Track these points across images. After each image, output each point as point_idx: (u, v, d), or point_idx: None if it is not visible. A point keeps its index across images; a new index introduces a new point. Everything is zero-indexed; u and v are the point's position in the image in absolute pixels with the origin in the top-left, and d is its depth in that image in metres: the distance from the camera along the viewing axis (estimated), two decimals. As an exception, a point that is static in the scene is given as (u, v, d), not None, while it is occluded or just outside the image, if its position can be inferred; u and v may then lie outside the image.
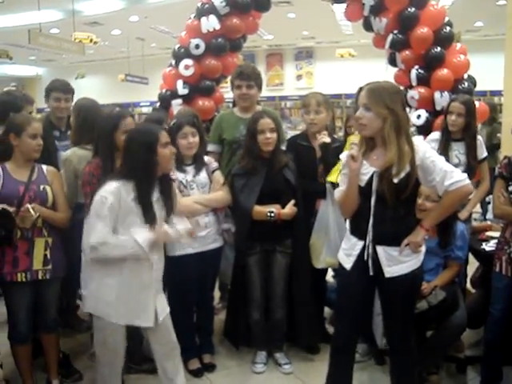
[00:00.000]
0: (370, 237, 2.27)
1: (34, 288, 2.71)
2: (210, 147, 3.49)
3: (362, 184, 2.27)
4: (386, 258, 2.27)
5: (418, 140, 2.31)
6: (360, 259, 2.32)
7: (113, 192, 2.26)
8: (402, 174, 2.18)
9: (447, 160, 3.22)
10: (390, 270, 2.27)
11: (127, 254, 2.29)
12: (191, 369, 3.13)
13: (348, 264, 2.36)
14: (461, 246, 2.96)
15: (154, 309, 2.41)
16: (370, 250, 2.28)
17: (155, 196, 2.37)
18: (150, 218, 2.32)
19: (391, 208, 2.22)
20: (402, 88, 4.04)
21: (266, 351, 3.27)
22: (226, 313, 3.34)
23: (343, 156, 2.39)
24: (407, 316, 2.40)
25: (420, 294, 2.74)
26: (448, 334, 2.81)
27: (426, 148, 2.26)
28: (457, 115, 3.33)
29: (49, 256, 2.71)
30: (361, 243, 2.32)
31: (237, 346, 3.36)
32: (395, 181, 2.18)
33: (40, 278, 2.69)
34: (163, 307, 2.50)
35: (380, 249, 2.28)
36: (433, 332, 2.90)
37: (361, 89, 2.29)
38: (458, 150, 3.40)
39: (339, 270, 2.48)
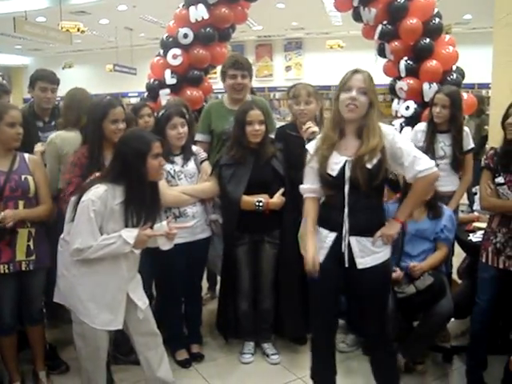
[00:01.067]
0: (346, 227, 2.25)
1: (18, 279, 2.68)
2: (199, 137, 3.48)
3: (334, 174, 2.25)
4: (358, 249, 2.26)
5: (384, 125, 2.31)
6: (332, 251, 2.30)
7: (101, 196, 2.24)
8: (375, 160, 2.19)
9: (433, 152, 3.30)
10: (363, 261, 2.26)
11: (111, 252, 2.27)
12: (179, 359, 3.13)
13: (320, 257, 2.33)
14: (449, 228, 3.00)
15: (123, 312, 2.39)
16: (347, 241, 2.26)
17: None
18: (133, 224, 2.31)
19: (364, 197, 2.22)
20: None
21: (253, 342, 3.28)
22: (218, 304, 3.33)
23: (310, 147, 2.39)
24: (380, 309, 2.37)
25: (410, 277, 2.82)
26: (434, 322, 2.83)
27: (394, 132, 2.29)
28: (441, 107, 3.29)
29: (32, 247, 2.66)
30: (332, 235, 2.29)
31: (226, 338, 3.36)
32: (369, 166, 2.19)
33: (23, 269, 2.65)
34: (142, 301, 2.49)
35: (353, 240, 2.26)
36: (419, 321, 2.92)
37: (354, 72, 2.26)
38: (443, 142, 3.37)
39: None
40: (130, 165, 2.28)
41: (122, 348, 3.03)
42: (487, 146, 5.05)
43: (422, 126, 3.52)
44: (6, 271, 2.60)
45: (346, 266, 2.27)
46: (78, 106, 3.02)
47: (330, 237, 2.30)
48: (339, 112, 2.26)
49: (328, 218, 2.33)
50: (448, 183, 3.38)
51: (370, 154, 2.18)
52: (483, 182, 2.74)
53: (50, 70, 3.47)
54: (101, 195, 2.24)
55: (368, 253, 2.26)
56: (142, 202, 2.33)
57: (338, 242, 2.28)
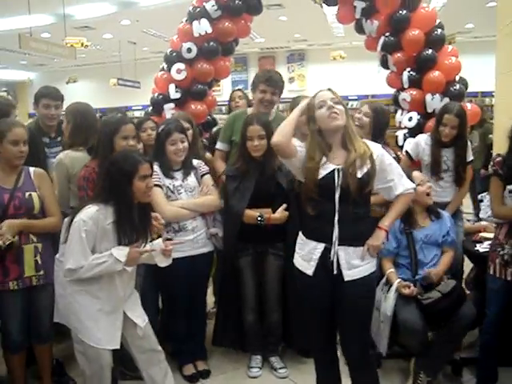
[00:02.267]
0: (335, 236, 2.24)
1: (27, 295, 2.68)
2: (219, 145, 3.54)
3: (319, 177, 2.26)
4: (345, 261, 2.26)
5: (371, 142, 2.40)
6: (322, 262, 2.29)
7: (92, 216, 2.27)
8: (365, 169, 2.24)
9: (439, 166, 3.34)
10: (350, 273, 2.26)
11: (103, 270, 2.29)
12: (186, 374, 3.12)
13: (309, 269, 2.32)
14: (452, 229, 3.08)
15: (120, 331, 2.40)
16: (335, 251, 2.26)
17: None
18: (125, 243, 2.33)
19: (353, 207, 2.23)
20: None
21: (260, 355, 3.27)
22: (216, 317, 3.32)
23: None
24: (364, 324, 2.37)
25: (426, 286, 2.84)
26: (459, 326, 2.79)
27: (382, 151, 2.35)
28: (451, 128, 3.29)
29: (40, 261, 2.67)
30: (321, 246, 2.29)
31: (234, 349, 3.35)
32: (359, 175, 2.22)
33: (34, 283, 2.65)
34: (142, 318, 2.50)
35: (342, 251, 2.26)
36: (441, 329, 2.85)
37: (318, 92, 2.33)
38: (446, 156, 3.38)
39: (298, 276, 2.41)
40: (117, 185, 2.30)
41: (129, 364, 3.01)
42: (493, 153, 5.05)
43: (423, 137, 3.51)
44: (16, 288, 2.61)
45: (335, 272, 2.26)
46: (86, 127, 3.01)
47: (318, 248, 2.30)
48: (317, 132, 2.28)
49: (316, 229, 2.31)
50: (450, 194, 3.42)
51: (360, 161, 2.23)
52: (493, 189, 2.72)
53: (53, 87, 3.48)
54: (92, 215, 2.27)
55: (355, 265, 2.27)
56: (132, 222, 2.34)
57: (326, 252, 2.28)
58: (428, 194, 3.07)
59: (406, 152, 3.59)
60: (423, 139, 3.49)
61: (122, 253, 2.30)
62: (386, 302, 2.80)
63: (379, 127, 3.32)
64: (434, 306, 2.76)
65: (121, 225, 2.32)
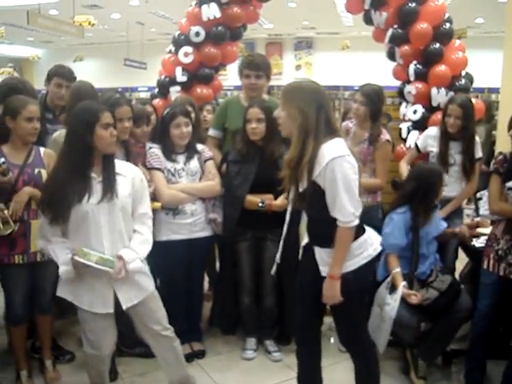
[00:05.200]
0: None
1: (31, 270, 2.74)
2: (212, 132, 3.51)
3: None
4: (319, 256, 2.24)
5: (334, 152, 2.06)
6: (306, 251, 2.35)
7: None
8: (305, 184, 2.14)
9: (446, 159, 3.34)
10: (324, 270, 2.21)
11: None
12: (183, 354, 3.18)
13: (300, 255, 2.42)
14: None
15: (112, 296, 2.32)
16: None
17: (98, 175, 2.28)
18: (86, 194, 2.23)
19: (317, 211, 2.20)
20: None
21: (255, 338, 3.33)
22: (214, 299, 3.37)
23: None
24: (348, 317, 2.29)
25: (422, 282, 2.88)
26: (458, 318, 2.85)
27: (339, 163, 2.05)
28: (455, 118, 3.30)
29: None
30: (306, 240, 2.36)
31: (227, 332, 3.41)
32: (300, 190, 2.19)
33: (38, 259, 2.70)
34: (130, 296, 2.37)
35: (316, 248, 2.26)
36: (438, 322, 2.88)
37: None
38: (453, 149, 3.39)
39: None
40: (78, 137, 2.22)
41: (126, 341, 3.09)
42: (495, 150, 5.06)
43: (432, 131, 3.53)
44: (21, 262, 2.66)
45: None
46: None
47: (305, 239, 2.37)
48: None
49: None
50: (455, 189, 3.42)
51: (301, 177, 2.16)
52: (493, 186, 2.75)
53: (68, 67, 3.49)
54: None
55: (328, 263, 2.19)
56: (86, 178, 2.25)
57: (310, 246, 2.32)
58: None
59: (415, 144, 3.63)
60: (433, 131, 3.52)
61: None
62: (391, 305, 2.74)
63: (375, 111, 3.31)
64: (434, 306, 2.81)
65: (77, 175, 2.22)
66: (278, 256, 2.67)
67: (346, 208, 2.06)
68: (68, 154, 2.26)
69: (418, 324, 2.84)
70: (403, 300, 2.77)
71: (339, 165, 2.05)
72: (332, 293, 2.16)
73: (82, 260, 2.18)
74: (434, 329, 2.90)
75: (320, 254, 2.24)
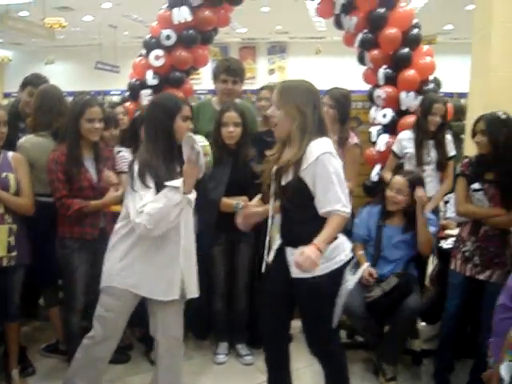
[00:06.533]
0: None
1: None
2: None
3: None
4: (291, 259, 2.18)
5: (323, 148, 2.11)
6: (278, 255, 2.32)
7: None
8: (289, 177, 2.16)
9: (421, 158, 3.44)
10: (295, 271, 2.16)
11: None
12: (153, 359, 3.13)
13: (269, 258, 2.37)
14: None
15: (179, 282, 2.41)
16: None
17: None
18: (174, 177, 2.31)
19: (294, 209, 2.20)
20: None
21: (227, 342, 3.31)
22: (185, 306, 3.33)
23: None
24: (318, 321, 2.27)
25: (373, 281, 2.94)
26: (404, 317, 2.88)
27: (321, 157, 2.09)
28: (440, 116, 3.44)
29: (13, 243, 2.65)
30: (279, 241, 2.33)
31: (200, 337, 3.39)
32: (282, 183, 2.20)
33: (5, 264, 2.63)
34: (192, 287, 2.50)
35: (288, 249, 2.25)
36: (391, 322, 2.98)
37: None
38: (428, 147, 3.51)
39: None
40: (161, 124, 2.32)
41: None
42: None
43: (406, 134, 3.61)
44: None
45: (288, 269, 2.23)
46: (49, 107, 2.96)
47: (278, 240, 2.33)
48: None
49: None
50: (433, 189, 3.50)
51: (285, 168, 2.16)
52: (459, 188, 2.81)
53: (44, 77, 3.43)
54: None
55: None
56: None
57: (282, 248, 2.30)
58: (396, 202, 3.07)
59: (392, 151, 3.69)
60: (406, 135, 3.61)
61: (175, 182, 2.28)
62: (349, 281, 2.70)
63: (343, 113, 3.36)
64: (376, 304, 2.89)
65: (166, 163, 2.32)
66: (266, 255, 2.51)
67: (342, 199, 2.10)
68: (156, 143, 2.32)
69: (366, 315, 2.91)
70: (353, 290, 2.68)
71: (329, 159, 2.10)
72: (313, 256, 2.00)
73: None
74: (386, 333, 3.00)
75: (292, 255, 2.21)
